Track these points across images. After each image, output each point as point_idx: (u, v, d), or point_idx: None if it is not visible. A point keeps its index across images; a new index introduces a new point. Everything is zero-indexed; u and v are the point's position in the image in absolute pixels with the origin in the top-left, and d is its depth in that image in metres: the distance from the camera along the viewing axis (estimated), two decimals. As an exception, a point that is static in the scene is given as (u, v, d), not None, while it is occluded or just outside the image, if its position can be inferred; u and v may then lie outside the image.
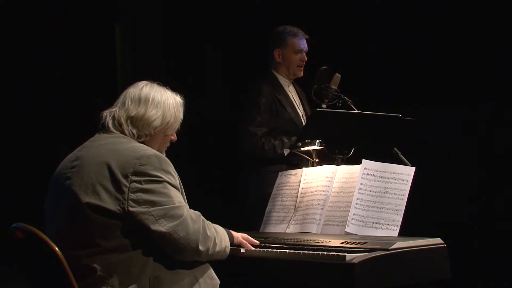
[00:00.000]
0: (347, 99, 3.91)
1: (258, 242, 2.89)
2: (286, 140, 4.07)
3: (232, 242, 2.75)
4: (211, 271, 2.59)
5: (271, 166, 4.06)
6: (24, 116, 4.77)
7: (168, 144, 2.72)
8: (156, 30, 5.36)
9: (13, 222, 2.47)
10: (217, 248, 2.55)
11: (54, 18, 4.83)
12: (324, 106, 3.93)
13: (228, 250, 2.63)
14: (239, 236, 2.84)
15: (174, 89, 2.72)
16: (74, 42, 4.90)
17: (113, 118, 2.60)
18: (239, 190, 4.36)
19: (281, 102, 4.21)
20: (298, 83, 4.42)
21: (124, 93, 2.66)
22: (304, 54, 4.29)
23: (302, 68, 4.30)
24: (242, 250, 2.81)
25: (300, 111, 4.30)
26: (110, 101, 2.73)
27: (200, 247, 2.48)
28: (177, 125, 2.69)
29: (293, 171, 3.38)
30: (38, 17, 4.80)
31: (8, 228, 2.47)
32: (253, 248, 2.84)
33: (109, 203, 2.40)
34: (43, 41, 4.82)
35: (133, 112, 2.59)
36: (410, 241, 2.62)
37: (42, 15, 4.81)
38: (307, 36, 4.31)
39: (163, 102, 2.63)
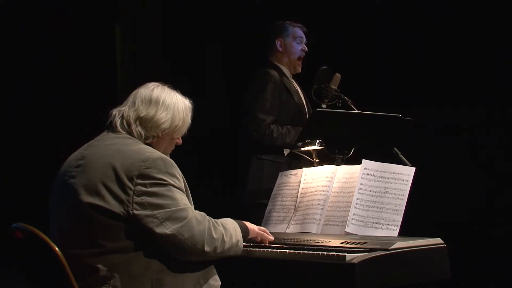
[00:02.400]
0: (347, 99, 3.91)
1: (273, 238, 2.89)
2: (292, 130, 4.05)
3: (247, 236, 2.75)
4: (215, 275, 2.58)
5: (270, 155, 4.06)
6: (24, 116, 4.77)
7: (173, 147, 2.73)
8: (156, 30, 5.36)
9: (13, 222, 2.47)
10: (227, 245, 2.55)
11: (54, 18, 4.83)
12: (324, 106, 3.93)
13: (240, 244, 2.62)
14: (255, 228, 2.83)
15: (174, 89, 2.72)
16: (74, 42, 4.90)
17: (122, 117, 2.60)
18: (240, 177, 4.34)
19: (289, 90, 4.20)
20: (296, 81, 4.42)
21: (134, 92, 2.66)
22: (305, 45, 4.30)
23: (301, 63, 4.30)
24: (257, 249, 2.79)
25: (304, 102, 4.29)
26: (110, 101, 2.73)
27: (206, 248, 2.47)
28: (184, 129, 2.69)
29: (293, 171, 3.38)
30: (38, 17, 4.80)
31: (8, 228, 2.47)
32: (272, 238, 2.87)
33: (113, 205, 2.40)
34: (43, 41, 4.82)
35: (143, 113, 2.59)
36: (410, 241, 2.62)
37: (42, 15, 4.81)
38: (305, 29, 4.33)
39: (173, 105, 2.63)
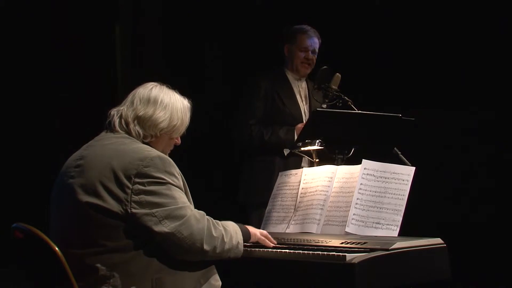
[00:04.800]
0: (347, 99, 3.91)
1: (275, 242, 2.87)
2: (277, 128, 4.17)
3: (248, 239, 2.74)
4: (215, 274, 2.58)
5: (264, 156, 4.19)
6: (24, 116, 4.77)
7: (172, 147, 2.73)
8: (156, 30, 5.36)
9: (13, 222, 2.47)
10: (227, 246, 2.54)
11: (54, 18, 4.83)
12: (324, 106, 3.95)
13: (241, 247, 2.61)
14: (257, 232, 2.82)
15: (174, 88, 2.72)
16: (74, 42, 4.90)
17: (120, 116, 2.60)
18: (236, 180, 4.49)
19: (280, 96, 4.30)
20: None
21: (132, 92, 2.67)
22: (310, 53, 4.37)
23: (308, 67, 4.36)
24: (257, 249, 2.78)
25: (304, 107, 4.35)
26: (110, 101, 2.73)
27: (205, 247, 2.47)
28: (183, 129, 2.70)
29: (293, 171, 3.38)
30: (38, 17, 4.80)
31: (8, 228, 2.47)
32: (273, 244, 2.84)
33: (112, 204, 2.40)
34: (43, 41, 4.82)
35: (141, 112, 2.60)
36: (410, 241, 2.62)
37: (42, 15, 4.81)
38: (318, 36, 4.38)
39: (172, 104, 2.64)
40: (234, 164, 4.90)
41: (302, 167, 3.59)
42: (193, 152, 5.17)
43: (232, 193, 4.76)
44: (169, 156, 2.61)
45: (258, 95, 4.28)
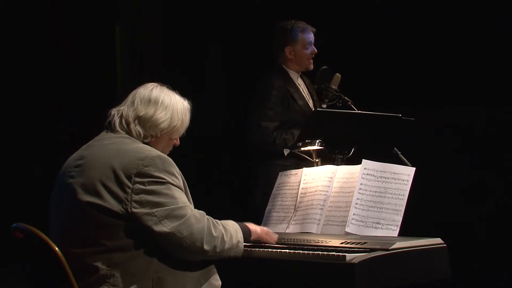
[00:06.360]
0: (347, 99, 3.91)
1: (277, 237, 2.87)
2: (296, 133, 4.07)
3: (249, 237, 2.74)
4: (215, 274, 2.58)
5: (280, 159, 4.04)
6: (24, 116, 4.77)
7: (171, 148, 2.73)
8: (156, 29, 5.36)
9: (13, 222, 2.48)
10: (227, 245, 2.54)
11: (54, 18, 4.83)
12: (324, 106, 3.94)
13: (241, 245, 2.61)
14: (258, 229, 2.82)
15: (174, 89, 2.72)
16: (74, 42, 4.90)
17: (121, 116, 2.60)
18: (250, 184, 4.36)
19: (292, 95, 4.22)
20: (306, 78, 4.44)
21: (133, 92, 2.67)
22: (313, 46, 4.30)
23: (312, 61, 4.32)
24: (256, 249, 2.78)
25: (311, 102, 4.31)
26: (110, 101, 2.74)
27: (205, 246, 2.47)
28: (183, 130, 2.70)
29: (293, 171, 3.38)
30: (38, 17, 4.81)
31: (8, 228, 2.47)
32: (275, 239, 2.84)
33: (112, 204, 2.41)
34: (43, 41, 4.82)
35: (141, 112, 2.60)
36: (410, 241, 2.62)
37: (42, 15, 4.81)
38: (314, 29, 4.33)
39: (172, 105, 2.64)
40: (234, 164, 4.91)
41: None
42: (193, 153, 5.18)
43: (232, 194, 4.76)
44: (172, 156, 2.61)
45: (274, 97, 4.16)
